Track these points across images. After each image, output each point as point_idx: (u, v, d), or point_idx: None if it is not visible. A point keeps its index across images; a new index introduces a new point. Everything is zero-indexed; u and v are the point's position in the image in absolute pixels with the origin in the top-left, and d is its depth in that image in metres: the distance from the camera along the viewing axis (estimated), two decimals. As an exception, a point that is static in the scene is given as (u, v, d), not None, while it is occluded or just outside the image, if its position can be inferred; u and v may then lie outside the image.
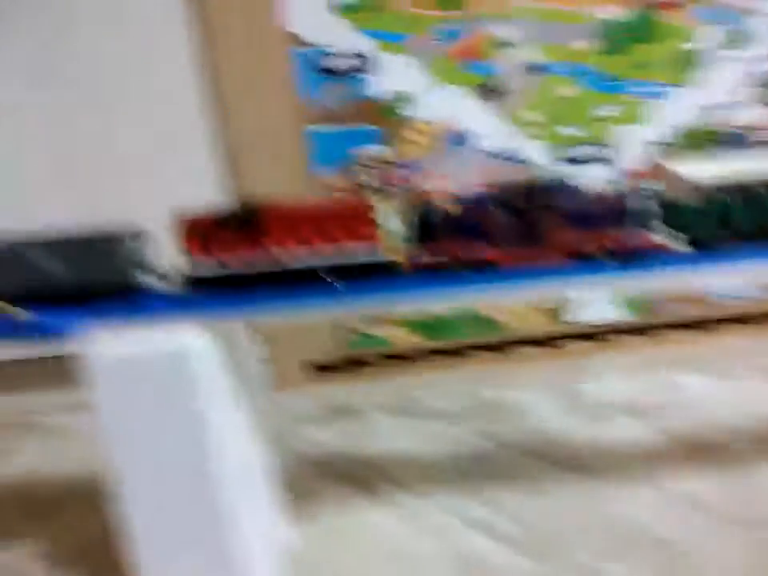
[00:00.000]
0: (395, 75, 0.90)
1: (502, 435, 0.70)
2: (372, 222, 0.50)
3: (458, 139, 0.93)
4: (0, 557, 0.59)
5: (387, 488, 0.62)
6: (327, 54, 0.89)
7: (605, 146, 0.95)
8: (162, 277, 0.50)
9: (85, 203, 0.78)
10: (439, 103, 0.91)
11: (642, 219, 0.51)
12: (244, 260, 0.49)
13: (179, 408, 0.44)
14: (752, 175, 0.52)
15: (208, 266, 0.49)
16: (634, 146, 0.96)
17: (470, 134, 0.93)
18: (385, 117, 0.91)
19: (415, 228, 0.52)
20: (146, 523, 0.46)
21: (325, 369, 0.94)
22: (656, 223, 0.52)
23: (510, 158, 0.93)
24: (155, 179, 0.90)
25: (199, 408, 0.45)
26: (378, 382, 0.87)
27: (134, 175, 0.90)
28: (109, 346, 0.45)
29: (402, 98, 0.91)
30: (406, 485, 0.62)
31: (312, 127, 0.90)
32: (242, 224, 0.49)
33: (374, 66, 0.90)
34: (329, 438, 0.72)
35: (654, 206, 0.51)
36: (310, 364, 0.92)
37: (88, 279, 0.47)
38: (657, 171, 0.59)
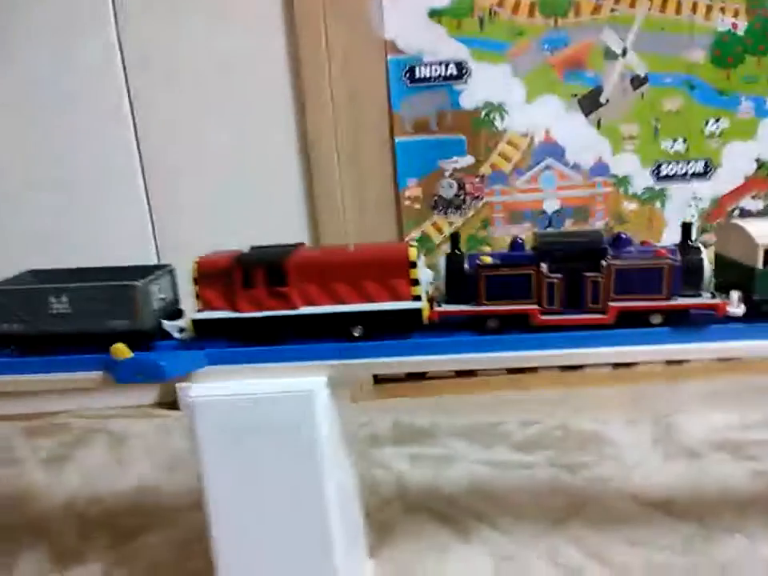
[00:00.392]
0: (490, 85, 0.87)
1: (580, 466, 0.66)
2: (406, 275, 0.47)
3: (551, 152, 0.89)
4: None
5: (471, 523, 0.59)
6: (421, 63, 0.86)
7: (708, 162, 0.89)
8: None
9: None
10: (534, 115, 0.88)
11: (695, 280, 0.47)
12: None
13: (298, 448, 0.44)
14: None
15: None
16: (738, 164, 0.90)
17: (565, 147, 0.88)
18: (476, 128, 0.88)
19: (447, 278, 0.49)
20: (244, 563, 0.45)
21: (386, 381, 0.91)
22: (711, 284, 0.47)
23: (605, 173, 0.89)
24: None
25: (318, 448, 0.44)
26: (444, 399, 0.84)
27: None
28: (217, 388, 0.44)
29: (495, 109, 0.87)
30: (489, 520, 0.59)
31: (399, 137, 0.88)
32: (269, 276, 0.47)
33: (469, 75, 0.86)
34: (404, 465, 0.69)
35: (708, 267, 0.47)
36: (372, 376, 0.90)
37: None
38: (726, 230, 0.52)
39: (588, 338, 0.46)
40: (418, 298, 0.47)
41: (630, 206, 0.90)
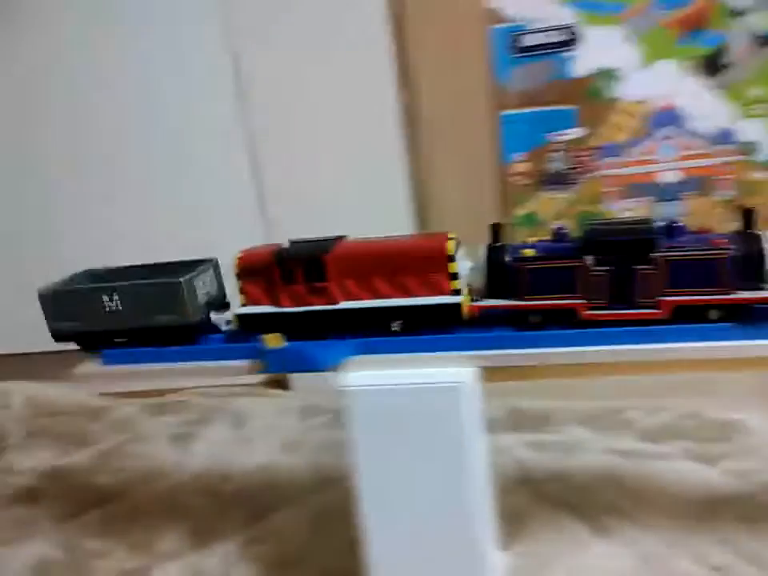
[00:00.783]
0: (602, 51, 0.82)
1: (719, 458, 0.64)
2: (445, 269, 0.46)
3: (670, 120, 0.83)
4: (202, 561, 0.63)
5: (607, 517, 0.58)
6: (527, 31, 0.82)
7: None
8: None
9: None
10: (651, 80, 0.82)
11: (755, 271, 0.43)
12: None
13: (447, 438, 0.44)
14: None
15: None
16: None
17: (684, 113, 0.83)
18: (587, 97, 0.83)
19: (488, 272, 0.47)
20: (392, 557, 0.46)
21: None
22: None
23: (728, 140, 0.83)
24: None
25: (467, 438, 0.44)
26: (558, 383, 0.82)
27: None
28: (370, 377, 0.44)
29: (608, 76, 0.83)
30: (627, 514, 0.58)
31: (504, 111, 0.85)
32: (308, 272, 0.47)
33: (579, 41, 0.82)
34: (525, 453, 0.69)
35: None
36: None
37: None
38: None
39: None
40: (457, 292, 0.46)
41: (760, 176, 0.84)
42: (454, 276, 0.46)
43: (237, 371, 0.47)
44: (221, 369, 0.48)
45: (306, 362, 0.44)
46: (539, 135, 0.86)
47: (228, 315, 0.50)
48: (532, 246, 0.47)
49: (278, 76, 0.88)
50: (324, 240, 0.49)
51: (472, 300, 0.47)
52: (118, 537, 0.66)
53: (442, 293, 0.46)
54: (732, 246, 0.43)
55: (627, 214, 0.86)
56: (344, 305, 0.47)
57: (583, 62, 0.83)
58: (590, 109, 0.84)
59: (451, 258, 0.46)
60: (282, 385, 0.99)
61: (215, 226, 0.92)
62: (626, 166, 0.85)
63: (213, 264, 0.53)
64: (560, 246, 0.46)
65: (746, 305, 0.43)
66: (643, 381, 0.74)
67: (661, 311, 0.44)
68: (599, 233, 0.45)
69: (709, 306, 0.43)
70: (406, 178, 0.89)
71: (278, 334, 0.45)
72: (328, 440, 0.80)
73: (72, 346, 0.99)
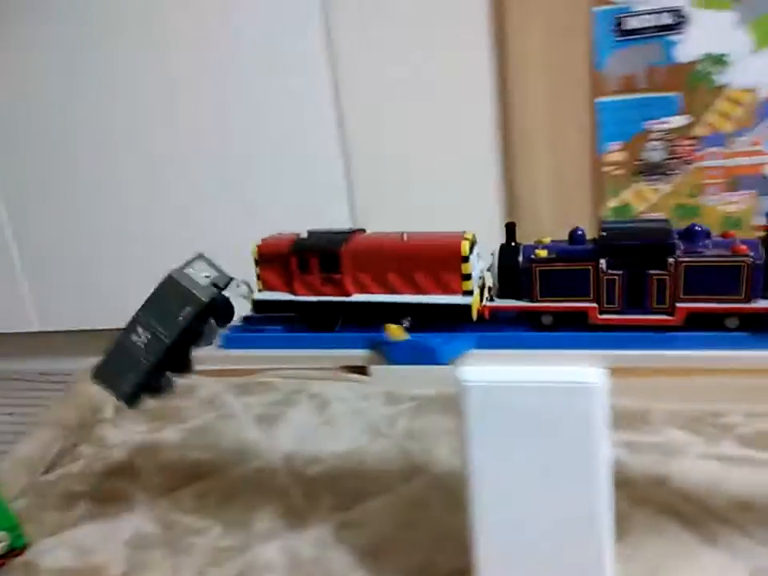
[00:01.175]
0: (711, 35, 0.78)
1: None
2: (458, 269, 0.46)
3: (781, 109, 0.79)
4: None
5: (716, 526, 0.56)
6: (632, 13, 0.79)
7: None
8: None
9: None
10: (760, 68, 0.78)
11: None
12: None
13: (575, 440, 0.43)
14: None
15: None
16: None
17: (798, 102, 0.78)
18: (692, 83, 0.80)
19: (500, 272, 0.47)
20: (503, 558, 0.46)
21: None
22: None
23: (844, 131, 0.78)
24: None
25: (595, 442, 0.43)
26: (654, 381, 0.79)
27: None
28: (491, 375, 0.44)
29: (715, 62, 0.79)
30: (737, 524, 0.56)
31: (602, 97, 0.82)
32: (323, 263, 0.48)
33: (687, 24, 0.78)
34: (622, 453, 0.67)
35: None
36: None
37: None
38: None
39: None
40: (469, 293, 0.46)
41: None
42: (467, 276, 0.46)
43: (353, 360, 0.47)
44: (336, 357, 0.48)
45: (427, 355, 0.44)
46: (638, 123, 0.83)
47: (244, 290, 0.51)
48: (545, 247, 0.46)
49: (374, 61, 0.87)
50: (342, 232, 0.50)
51: (487, 300, 0.48)
52: (213, 514, 0.68)
53: (453, 292, 0.47)
54: (752, 253, 0.41)
55: (727, 209, 0.82)
56: (356, 297, 0.48)
57: (689, 46, 0.79)
58: (694, 96, 0.80)
59: (465, 259, 0.46)
60: (361, 370, 0.99)
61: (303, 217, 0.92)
62: (731, 157, 0.81)
63: (200, 256, 0.53)
64: (574, 248, 0.46)
65: (765, 314, 0.42)
66: (738, 384, 0.71)
67: (674, 318, 0.43)
68: (614, 236, 0.44)
69: (726, 314, 0.42)
70: (496, 166, 0.87)
71: (399, 326, 0.45)
72: (414, 428, 0.80)
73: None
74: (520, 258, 0.46)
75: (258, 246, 0.51)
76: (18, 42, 0.96)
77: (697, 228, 0.44)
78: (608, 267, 0.44)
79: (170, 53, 0.92)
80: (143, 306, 0.51)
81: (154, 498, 0.71)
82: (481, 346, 0.46)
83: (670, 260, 0.42)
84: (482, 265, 0.49)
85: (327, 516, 0.66)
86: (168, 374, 0.52)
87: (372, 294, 0.48)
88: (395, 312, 0.47)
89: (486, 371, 0.44)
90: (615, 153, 0.84)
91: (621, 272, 0.44)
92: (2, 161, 1.01)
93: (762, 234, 0.43)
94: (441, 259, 0.46)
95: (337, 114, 0.90)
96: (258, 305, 0.51)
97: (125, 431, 0.85)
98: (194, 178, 0.96)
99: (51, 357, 1.12)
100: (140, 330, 0.51)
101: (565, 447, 0.43)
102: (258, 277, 0.51)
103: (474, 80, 0.84)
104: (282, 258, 0.49)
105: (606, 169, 0.85)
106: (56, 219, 1.02)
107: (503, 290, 0.47)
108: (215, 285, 0.51)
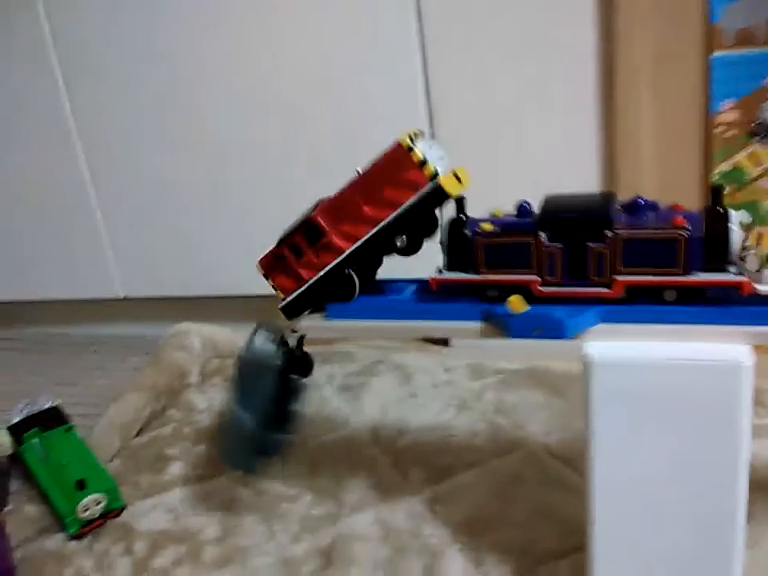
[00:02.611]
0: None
1: None
2: (410, 161, 0.45)
3: None
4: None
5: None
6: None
7: None
8: None
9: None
10: None
11: (719, 253, 0.41)
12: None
13: (713, 423, 0.40)
14: None
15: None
16: None
17: None
18: (820, 35, 0.72)
19: (449, 245, 0.48)
20: (621, 544, 0.43)
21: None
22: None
23: None
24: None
25: (739, 426, 0.40)
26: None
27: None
28: (621, 351, 0.40)
29: None
30: None
31: (716, 52, 0.76)
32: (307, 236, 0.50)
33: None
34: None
35: (737, 238, 0.41)
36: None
37: None
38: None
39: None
40: (434, 176, 0.46)
41: None
42: (423, 163, 0.46)
43: (469, 333, 0.45)
44: (452, 330, 0.46)
45: (551, 329, 0.41)
46: (755, 80, 0.76)
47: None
48: (493, 221, 0.47)
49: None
50: (308, 210, 0.52)
51: (437, 272, 0.48)
52: (302, 483, 0.67)
53: (419, 186, 0.46)
54: (691, 227, 0.41)
55: None
56: (351, 248, 0.49)
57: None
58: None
59: (410, 149, 0.46)
60: (442, 341, 0.97)
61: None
62: None
63: (259, 326, 0.56)
64: (517, 221, 0.47)
65: (702, 287, 0.42)
66: None
67: (614, 290, 0.43)
68: (553, 208, 0.45)
69: (664, 286, 0.42)
70: (597, 126, 0.82)
71: (520, 297, 0.42)
72: (502, 402, 0.77)
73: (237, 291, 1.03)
74: (467, 231, 0.47)
75: (259, 262, 0.54)
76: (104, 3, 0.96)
77: (640, 201, 0.44)
78: (548, 240, 0.44)
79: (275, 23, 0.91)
80: (231, 391, 0.55)
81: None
82: (608, 319, 0.42)
83: (608, 233, 0.43)
84: (440, 152, 0.48)
85: (419, 488, 0.65)
86: (277, 436, 0.56)
87: (360, 236, 0.49)
88: (387, 240, 0.48)
89: (616, 347, 0.41)
90: (728, 112, 0.78)
91: (560, 245, 0.44)
92: (86, 126, 1.02)
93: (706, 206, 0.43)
94: (392, 163, 0.46)
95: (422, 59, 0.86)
96: (286, 311, 0.53)
97: (211, 397, 0.86)
98: (281, 145, 0.95)
99: (136, 323, 1.15)
100: (237, 411, 0.55)
101: (703, 433, 0.40)
102: (274, 288, 0.54)
103: (577, 32, 0.79)
104: (279, 258, 0.52)
105: (717, 130, 0.78)
106: (140, 186, 1.03)
107: (452, 263, 0.48)
108: (282, 344, 0.54)
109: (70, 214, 1.07)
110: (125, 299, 1.11)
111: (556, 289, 0.45)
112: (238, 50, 0.93)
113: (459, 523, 0.59)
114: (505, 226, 0.46)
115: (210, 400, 0.85)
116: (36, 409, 0.76)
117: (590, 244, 0.43)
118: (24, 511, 0.67)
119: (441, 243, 0.49)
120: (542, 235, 0.44)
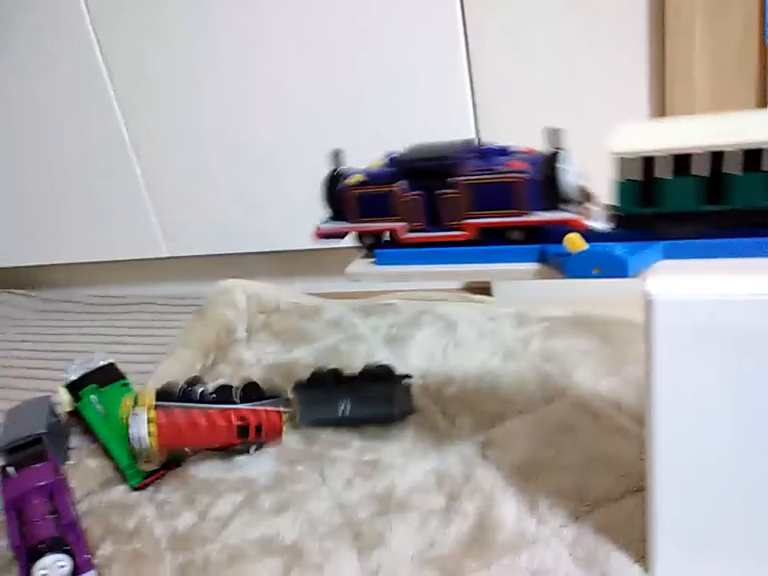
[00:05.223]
0: None
1: None
2: None
3: None
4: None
5: None
6: None
7: None
8: None
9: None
10: None
11: (552, 192, 0.43)
12: None
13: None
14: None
15: None
16: None
17: None
18: None
19: (326, 197, 0.51)
20: (683, 496, 0.42)
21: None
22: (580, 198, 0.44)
23: None
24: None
25: None
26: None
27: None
28: (683, 285, 0.39)
29: None
30: None
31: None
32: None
33: None
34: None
35: (570, 178, 0.43)
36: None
37: None
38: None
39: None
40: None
41: None
42: None
43: (523, 275, 0.44)
44: (504, 272, 0.45)
45: (613, 267, 0.40)
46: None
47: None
48: (363, 172, 0.49)
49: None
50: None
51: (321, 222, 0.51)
52: (351, 430, 0.68)
53: None
54: (528, 169, 0.43)
55: None
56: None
57: None
58: None
59: None
60: (485, 291, 0.96)
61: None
62: None
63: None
64: (380, 171, 0.48)
65: (541, 226, 0.44)
66: None
67: (466, 233, 0.46)
68: (408, 158, 0.47)
69: (509, 227, 0.45)
70: (645, 54, 0.78)
71: (578, 235, 0.41)
72: (549, 350, 0.77)
73: (279, 246, 1.03)
74: (339, 183, 0.49)
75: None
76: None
77: (490, 146, 0.46)
78: (405, 188, 0.47)
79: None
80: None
81: (292, 415, 0.72)
82: (670, 255, 0.41)
83: (455, 179, 0.45)
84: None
85: (469, 435, 0.65)
86: None
87: None
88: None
89: (678, 284, 0.39)
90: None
91: (418, 193, 0.46)
92: (127, 87, 1.02)
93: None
94: None
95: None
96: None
97: (258, 351, 0.87)
98: (326, 105, 0.94)
99: (181, 282, 1.16)
100: None
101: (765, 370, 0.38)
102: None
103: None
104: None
105: (771, 61, 0.74)
106: (181, 146, 1.03)
107: (332, 213, 0.51)
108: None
109: (112, 176, 1.08)
110: (169, 258, 1.12)
111: (418, 234, 0.47)
112: (292, 12, 0.91)
113: (511, 469, 0.60)
114: (371, 177, 0.48)
115: (259, 354, 0.86)
116: (92, 366, 0.78)
117: (440, 191, 0.46)
118: (86, 465, 0.69)
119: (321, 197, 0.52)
120: (400, 184, 0.47)
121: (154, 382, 0.79)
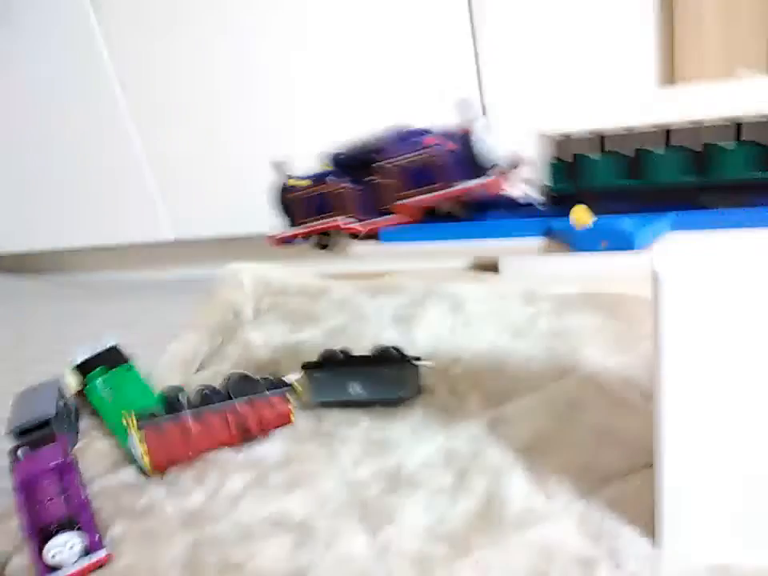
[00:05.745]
0: None
1: None
2: None
3: None
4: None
5: None
6: None
7: None
8: None
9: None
10: None
11: (475, 162, 0.44)
12: None
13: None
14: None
15: None
16: None
17: None
18: None
19: (277, 205, 0.52)
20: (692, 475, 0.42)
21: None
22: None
23: None
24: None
25: None
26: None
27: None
28: (689, 258, 0.38)
29: None
30: None
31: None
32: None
33: None
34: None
35: (487, 147, 0.44)
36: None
37: None
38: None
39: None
40: None
41: None
42: None
43: (529, 250, 0.43)
44: (509, 248, 0.44)
45: (619, 241, 0.39)
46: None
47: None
48: (308, 177, 0.51)
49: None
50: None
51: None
52: (359, 409, 0.68)
53: None
54: (440, 143, 0.44)
55: None
56: None
57: None
58: None
59: None
60: (492, 269, 0.96)
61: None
62: None
63: None
64: (323, 171, 0.50)
65: (482, 198, 0.45)
66: None
67: (405, 214, 0.47)
68: (340, 154, 0.50)
69: (439, 202, 0.46)
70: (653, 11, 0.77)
71: (585, 208, 0.40)
72: (557, 327, 0.76)
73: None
74: (284, 191, 0.52)
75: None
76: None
77: (412, 129, 0.47)
78: (336, 182, 0.49)
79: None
80: None
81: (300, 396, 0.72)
82: (678, 227, 0.40)
83: (380, 166, 0.47)
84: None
85: (477, 413, 0.65)
86: None
87: None
88: None
89: (689, 258, 0.38)
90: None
91: (350, 186, 0.48)
92: (131, 70, 1.02)
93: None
94: None
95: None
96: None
97: (266, 332, 0.87)
98: (329, 86, 0.93)
99: (187, 265, 1.16)
100: None
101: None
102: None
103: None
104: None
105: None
106: (185, 129, 1.03)
107: (288, 220, 0.53)
108: None
109: (116, 160, 1.08)
110: (175, 242, 1.12)
111: (358, 224, 0.49)
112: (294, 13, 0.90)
113: (520, 445, 0.59)
114: (315, 179, 0.51)
115: (267, 336, 0.86)
116: (98, 349, 0.78)
117: (370, 179, 0.47)
118: (95, 447, 0.70)
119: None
120: (330, 179, 0.49)
121: (163, 364, 0.80)
